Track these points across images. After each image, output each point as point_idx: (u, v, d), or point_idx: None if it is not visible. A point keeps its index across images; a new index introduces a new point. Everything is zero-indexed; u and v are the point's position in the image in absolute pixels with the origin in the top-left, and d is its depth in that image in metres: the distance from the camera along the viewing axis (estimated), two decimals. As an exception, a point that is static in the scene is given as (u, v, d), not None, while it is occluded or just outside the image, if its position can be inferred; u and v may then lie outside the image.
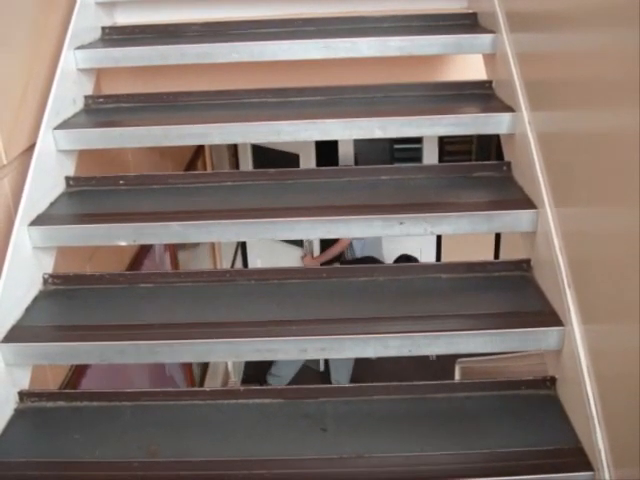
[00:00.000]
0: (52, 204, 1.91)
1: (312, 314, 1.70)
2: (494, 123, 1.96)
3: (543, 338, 1.58)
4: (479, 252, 5.57)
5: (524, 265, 1.81)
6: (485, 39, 2.13)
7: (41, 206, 1.86)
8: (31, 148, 1.86)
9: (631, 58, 1.21)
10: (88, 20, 2.25)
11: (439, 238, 6.60)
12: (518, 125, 1.89)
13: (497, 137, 2.07)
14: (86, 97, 2.19)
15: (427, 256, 6.54)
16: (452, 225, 1.79)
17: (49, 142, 1.92)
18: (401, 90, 2.20)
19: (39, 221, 1.81)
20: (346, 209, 1.81)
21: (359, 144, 6.26)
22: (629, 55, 1.23)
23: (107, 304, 1.80)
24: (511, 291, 1.77)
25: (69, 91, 2.08)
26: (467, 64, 2.52)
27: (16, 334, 1.65)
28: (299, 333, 1.61)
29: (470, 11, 2.38)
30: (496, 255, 6.37)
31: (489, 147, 6.25)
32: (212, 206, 1.89)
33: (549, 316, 1.60)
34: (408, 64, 2.40)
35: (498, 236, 6.25)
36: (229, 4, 2.42)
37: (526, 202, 1.78)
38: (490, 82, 2.18)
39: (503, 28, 2.03)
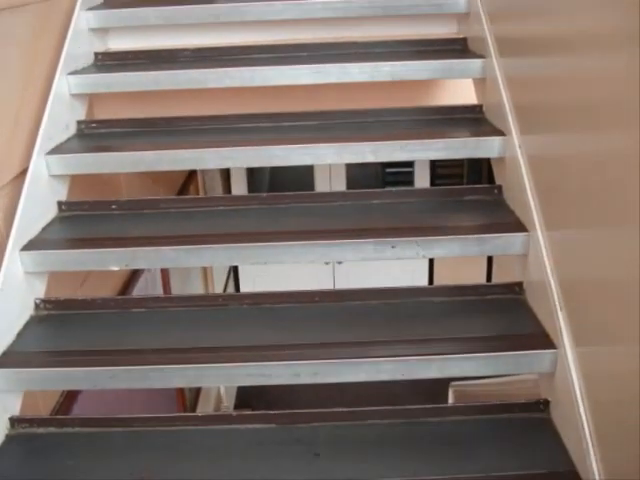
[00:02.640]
0: (44, 229, 1.91)
1: (305, 338, 1.70)
2: (485, 147, 1.98)
3: (536, 361, 1.58)
4: (471, 274, 5.59)
5: (516, 288, 1.81)
6: (475, 64, 2.15)
7: (33, 231, 1.86)
8: (23, 173, 1.86)
9: (619, 82, 1.23)
10: (81, 46, 2.26)
11: (431, 261, 6.61)
12: (508, 149, 1.91)
13: (488, 160, 2.09)
14: (79, 122, 2.20)
15: (419, 279, 6.54)
16: (444, 248, 1.79)
17: (41, 167, 1.92)
18: (392, 114, 2.21)
19: (31, 246, 1.81)
20: (338, 233, 1.81)
21: (351, 167, 6.29)
22: (617, 79, 1.24)
23: (99, 329, 1.79)
24: (504, 314, 1.77)
25: (62, 116, 2.09)
26: (458, 88, 2.54)
27: (7, 359, 1.64)
28: (292, 357, 1.61)
29: (460, 36, 2.40)
30: (488, 277, 6.38)
31: (480, 170, 6.27)
32: (204, 230, 1.89)
33: (542, 339, 1.60)
34: (399, 89, 2.42)
35: (490, 258, 6.26)
36: (221, 30, 2.43)
37: (517, 225, 1.79)
38: (480, 106, 2.20)
39: (493, 53, 2.05)
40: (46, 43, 2.12)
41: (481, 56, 2.15)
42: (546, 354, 1.56)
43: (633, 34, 1.13)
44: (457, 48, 2.35)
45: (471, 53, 2.26)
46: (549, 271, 1.59)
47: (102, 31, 2.43)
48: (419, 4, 2.32)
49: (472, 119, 2.17)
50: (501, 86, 1.96)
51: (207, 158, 2.02)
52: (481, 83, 2.19)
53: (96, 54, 2.35)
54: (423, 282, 6.54)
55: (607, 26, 1.29)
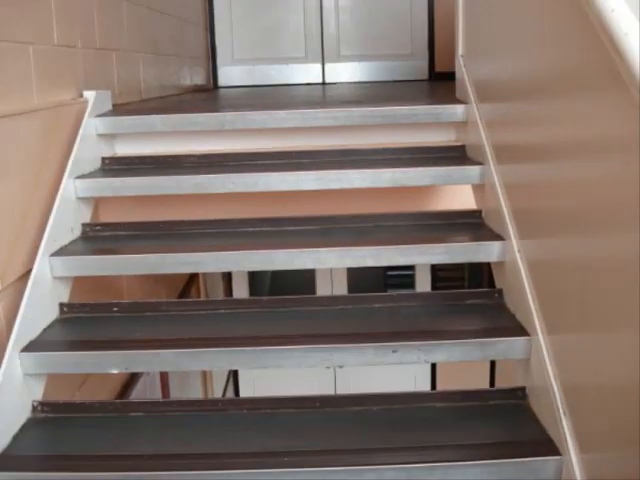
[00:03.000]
0: (45, 330, 1.90)
1: (305, 445, 1.67)
2: (484, 252, 2.00)
3: (541, 468, 1.55)
4: (475, 377, 5.52)
5: (519, 393, 1.80)
6: (473, 171, 2.20)
7: (34, 332, 1.86)
8: (27, 274, 1.88)
9: (616, 187, 1.26)
10: (89, 151, 2.32)
11: (434, 364, 6.54)
12: (508, 253, 1.93)
13: (489, 263, 2.10)
14: (84, 225, 2.22)
15: (422, 381, 6.46)
16: (445, 353, 1.78)
17: (45, 269, 1.94)
18: (392, 219, 2.25)
19: (31, 347, 1.80)
20: (339, 337, 1.81)
21: (352, 270, 6.31)
22: (614, 185, 1.27)
23: (96, 433, 1.76)
24: (507, 420, 1.75)
25: (67, 219, 2.12)
26: (457, 194, 2.58)
27: (2, 463, 1.61)
28: (291, 465, 1.57)
29: (458, 144, 2.46)
30: (492, 379, 6.30)
31: (481, 273, 6.30)
32: (205, 334, 1.89)
33: (546, 445, 1.58)
34: (399, 194, 2.46)
35: (493, 361, 6.20)
36: (226, 137, 2.50)
37: (518, 329, 1.79)
38: (479, 211, 2.24)
39: (490, 160, 2.10)
40: (55, 147, 2.17)
41: (479, 163, 2.20)
42: (551, 461, 1.53)
43: (629, 141, 1.17)
44: (456, 155, 2.41)
45: (469, 160, 2.32)
46: (552, 375, 1.58)
47: (110, 137, 2.49)
48: (418, 113, 2.40)
49: (471, 224, 2.21)
50: (499, 192, 2.00)
51: (209, 262, 2.04)
52: (480, 189, 2.23)
53: (103, 159, 2.41)
54: (426, 385, 6.46)
55: (603, 133, 1.33)
